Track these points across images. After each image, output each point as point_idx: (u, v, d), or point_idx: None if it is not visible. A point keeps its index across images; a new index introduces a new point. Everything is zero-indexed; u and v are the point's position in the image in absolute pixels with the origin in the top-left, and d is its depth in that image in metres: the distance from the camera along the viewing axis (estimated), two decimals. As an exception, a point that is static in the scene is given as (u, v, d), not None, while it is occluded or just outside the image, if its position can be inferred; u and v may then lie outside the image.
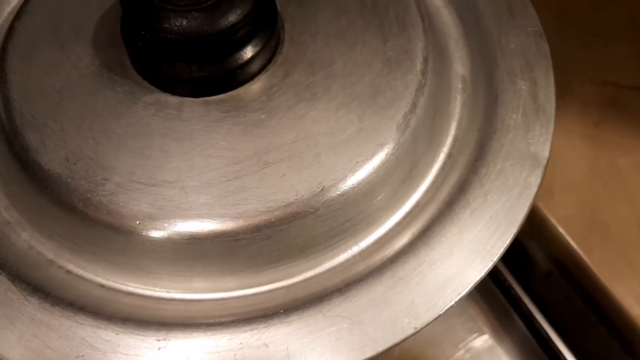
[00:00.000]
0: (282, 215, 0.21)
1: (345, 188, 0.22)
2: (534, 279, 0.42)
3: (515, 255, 0.42)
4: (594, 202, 0.39)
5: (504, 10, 0.27)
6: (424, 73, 0.24)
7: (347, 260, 0.22)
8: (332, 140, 0.23)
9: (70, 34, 0.25)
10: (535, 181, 0.23)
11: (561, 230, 0.38)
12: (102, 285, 0.22)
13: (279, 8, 0.25)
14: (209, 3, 0.21)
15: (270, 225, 0.21)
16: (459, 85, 0.26)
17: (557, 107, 0.42)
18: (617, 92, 0.42)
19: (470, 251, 0.21)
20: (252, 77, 0.24)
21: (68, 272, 0.22)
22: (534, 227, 0.39)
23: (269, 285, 0.22)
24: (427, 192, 0.24)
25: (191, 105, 0.23)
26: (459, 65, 0.27)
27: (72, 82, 0.24)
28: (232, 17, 0.21)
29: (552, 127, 0.24)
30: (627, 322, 0.35)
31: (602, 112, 0.41)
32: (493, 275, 0.39)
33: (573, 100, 0.41)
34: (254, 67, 0.24)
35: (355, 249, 0.23)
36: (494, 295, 0.39)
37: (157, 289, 0.22)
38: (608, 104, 0.42)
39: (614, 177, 0.39)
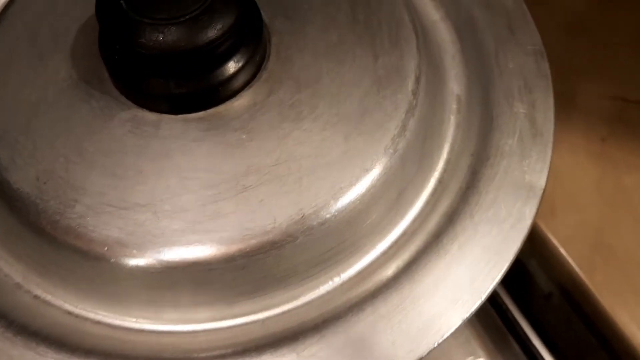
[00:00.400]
0: (258, 244, 0.20)
1: (327, 216, 0.21)
2: (534, 299, 0.40)
3: (515, 275, 0.40)
4: (597, 222, 0.37)
5: (503, 26, 0.26)
6: (415, 93, 0.23)
7: (328, 293, 0.21)
8: (315, 163, 0.21)
9: (49, 43, 0.24)
10: (529, 212, 0.22)
11: (562, 251, 0.36)
12: (69, 313, 0.21)
13: (266, 21, 0.24)
14: (187, 17, 0.20)
15: (245, 254, 0.20)
16: (454, 106, 0.25)
17: (562, 121, 0.40)
18: (625, 106, 0.41)
19: (457, 288, 0.20)
20: (234, 94, 0.23)
21: (35, 297, 0.21)
22: (535, 246, 0.38)
23: (243, 318, 0.21)
24: (414, 220, 0.22)
25: (169, 123, 0.22)
26: (455, 84, 0.25)
27: (48, 95, 0.23)
28: (212, 33, 0.20)
29: (549, 154, 0.23)
30: (629, 349, 0.34)
31: (608, 128, 0.40)
32: (490, 296, 0.37)
33: (579, 114, 0.40)
34: (236, 83, 0.22)
35: (337, 280, 0.21)
36: (491, 317, 0.38)
37: (127, 318, 0.21)
38: (615, 119, 0.40)
39: (620, 196, 0.38)
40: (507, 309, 0.37)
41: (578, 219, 0.37)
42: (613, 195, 0.38)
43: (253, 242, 0.20)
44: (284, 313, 0.21)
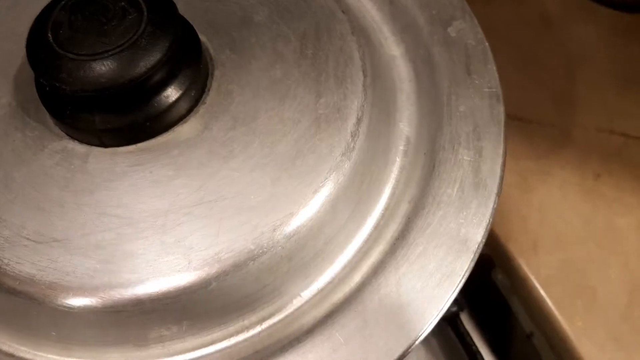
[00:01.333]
0: (167, 288, 0.19)
1: (245, 261, 0.20)
2: (515, 337, 0.39)
3: (498, 311, 0.39)
4: (582, 263, 0.35)
5: (460, 66, 0.25)
6: (354, 135, 0.22)
7: (244, 340, 0.20)
8: (239, 205, 0.21)
9: (3, 64, 0.24)
10: (460, 268, 0.20)
11: (542, 292, 0.35)
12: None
13: (211, 53, 0.24)
14: (111, 53, 0.20)
15: (153, 298, 0.19)
16: (401, 147, 0.24)
17: (554, 154, 0.39)
18: (624, 142, 0.39)
19: (368, 348, 0.19)
20: (166, 128, 0.22)
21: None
22: (515, 285, 0.36)
23: (154, 360, 0.20)
24: (343, 268, 0.21)
25: (98, 156, 0.22)
26: (405, 125, 0.24)
27: (-16, 121, 0.23)
28: (135, 70, 0.20)
29: (491, 206, 0.22)
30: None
31: (604, 164, 0.38)
32: (460, 336, 0.36)
33: (573, 148, 0.38)
34: (169, 118, 0.22)
35: (258, 328, 0.21)
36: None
37: (38, 354, 0.21)
38: (612, 155, 0.38)
39: (609, 238, 0.36)
40: (478, 352, 0.36)
41: (562, 258, 0.36)
42: (602, 236, 0.36)
43: (163, 285, 0.19)
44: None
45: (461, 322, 0.36)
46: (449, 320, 0.36)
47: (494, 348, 0.38)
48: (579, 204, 0.37)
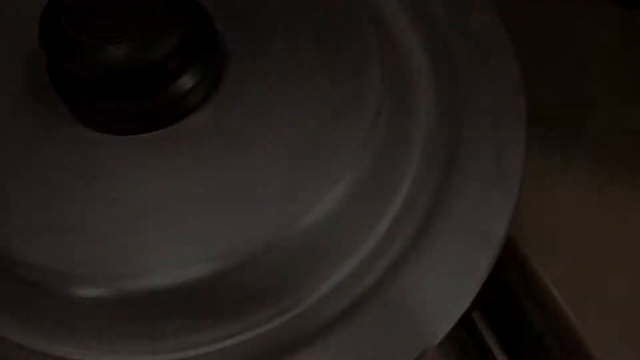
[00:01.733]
0: (182, 280, 0.19)
1: (262, 253, 0.19)
2: (526, 338, 0.38)
3: (508, 311, 0.38)
4: (596, 263, 0.35)
5: (480, 57, 0.24)
6: (373, 125, 0.21)
7: (261, 334, 0.20)
8: (255, 197, 0.20)
9: (13, 50, 0.24)
10: (483, 264, 0.20)
11: (554, 292, 0.34)
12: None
13: (226, 41, 0.23)
14: (126, 37, 0.19)
15: (167, 290, 0.19)
16: (420, 141, 0.23)
17: (567, 153, 0.38)
18: (638, 141, 0.38)
19: (389, 348, 0.18)
20: (180, 117, 0.22)
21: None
22: (526, 284, 0.36)
23: (166, 355, 0.20)
24: (363, 262, 0.21)
25: (110, 144, 0.21)
26: (424, 117, 0.24)
27: (-4, 105, 0.23)
28: (151, 55, 0.19)
29: (513, 200, 0.21)
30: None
31: (618, 164, 0.37)
32: (471, 335, 0.36)
33: (586, 148, 0.38)
34: (183, 106, 0.21)
35: (276, 322, 0.20)
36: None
37: (51, 345, 0.20)
38: (626, 155, 0.38)
39: (624, 238, 0.35)
40: (490, 350, 0.35)
41: (575, 259, 0.35)
42: (615, 236, 0.36)
43: (177, 277, 0.19)
44: (207, 354, 0.20)
45: (473, 321, 0.36)
46: (461, 319, 0.35)
47: (505, 347, 0.38)
48: (593, 204, 0.37)
